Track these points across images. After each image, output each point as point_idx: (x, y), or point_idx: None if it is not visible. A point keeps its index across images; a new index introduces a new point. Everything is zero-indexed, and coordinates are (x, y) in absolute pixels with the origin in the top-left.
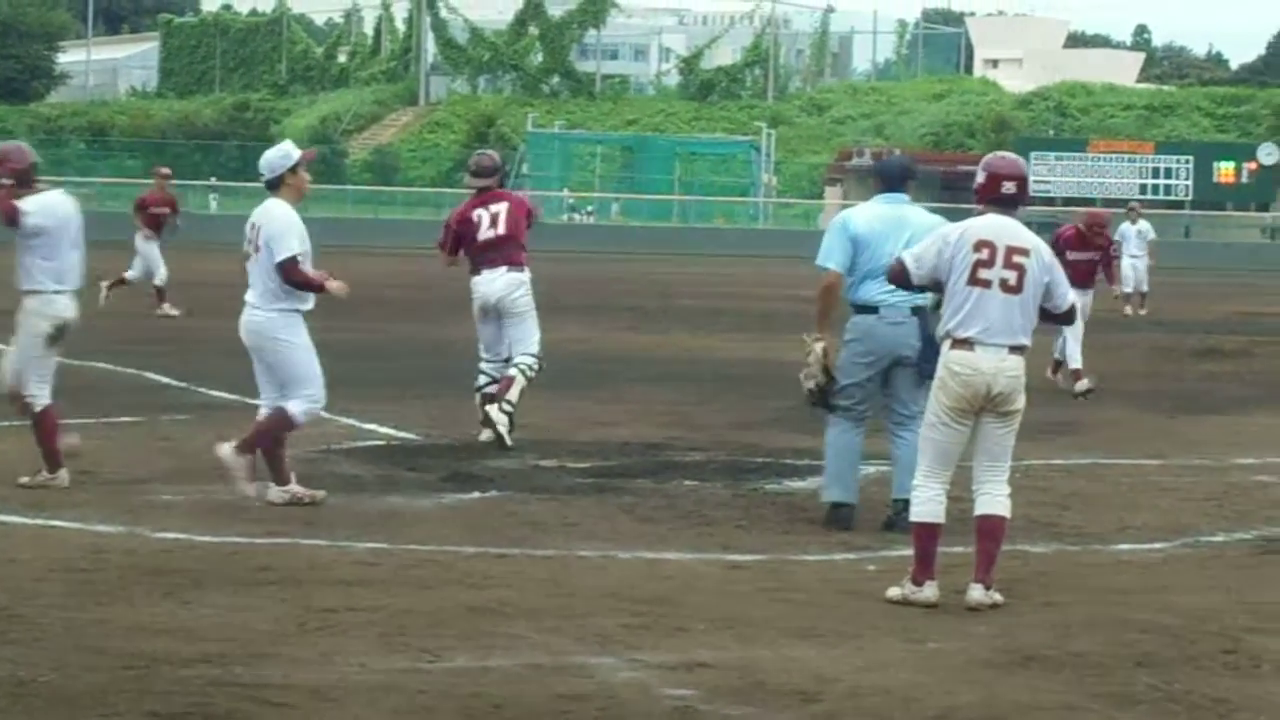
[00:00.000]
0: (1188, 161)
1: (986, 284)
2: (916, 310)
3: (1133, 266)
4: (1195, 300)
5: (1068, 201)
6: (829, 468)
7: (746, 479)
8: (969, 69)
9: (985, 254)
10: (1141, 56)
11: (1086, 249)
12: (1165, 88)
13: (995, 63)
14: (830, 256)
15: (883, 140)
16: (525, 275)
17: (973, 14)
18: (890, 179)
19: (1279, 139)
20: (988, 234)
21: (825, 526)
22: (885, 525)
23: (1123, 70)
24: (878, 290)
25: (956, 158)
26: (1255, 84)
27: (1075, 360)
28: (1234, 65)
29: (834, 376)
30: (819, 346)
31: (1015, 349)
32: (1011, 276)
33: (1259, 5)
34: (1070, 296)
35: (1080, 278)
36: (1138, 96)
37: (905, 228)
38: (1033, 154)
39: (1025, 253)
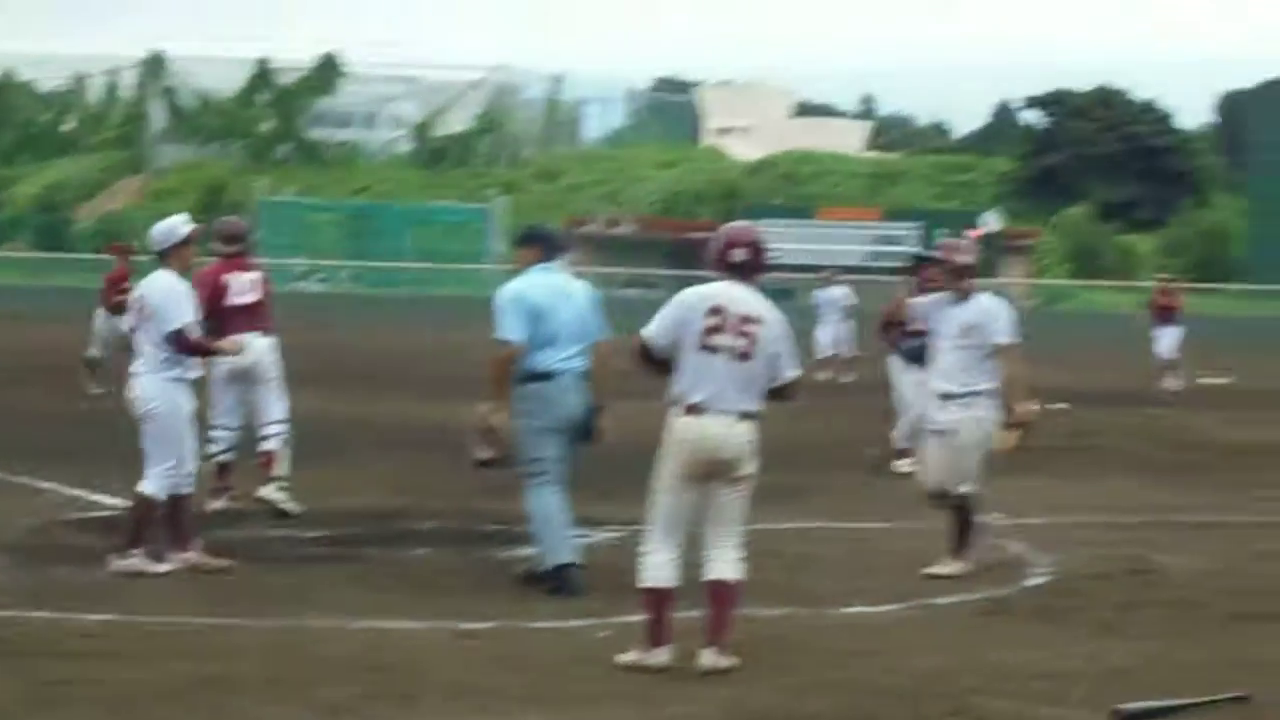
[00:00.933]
0: (915, 228)
1: (716, 350)
2: (584, 375)
3: (833, 332)
4: None
5: (796, 269)
6: (541, 536)
7: (478, 546)
8: (698, 137)
9: (717, 320)
10: (869, 125)
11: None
12: (891, 156)
13: (725, 131)
14: (512, 329)
15: (615, 206)
16: (275, 341)
17: (702, 83)
18: (555, 248)
19: (999, 207)
20: (720, 300)
21: (554, 593)
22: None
23: (850, 139)
24: (554, 358)
25: (686, 224)
26: (979, 152)
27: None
28: (957, 135)
29: (509, 448)
30: (496, 419)
31: (745, 415)
32: (741, 344)
33: (981, 78)
34: (790, 374)
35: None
36: (864, 165)
37: (570, 293)
38: (762, 221)
39: (757, 321)
